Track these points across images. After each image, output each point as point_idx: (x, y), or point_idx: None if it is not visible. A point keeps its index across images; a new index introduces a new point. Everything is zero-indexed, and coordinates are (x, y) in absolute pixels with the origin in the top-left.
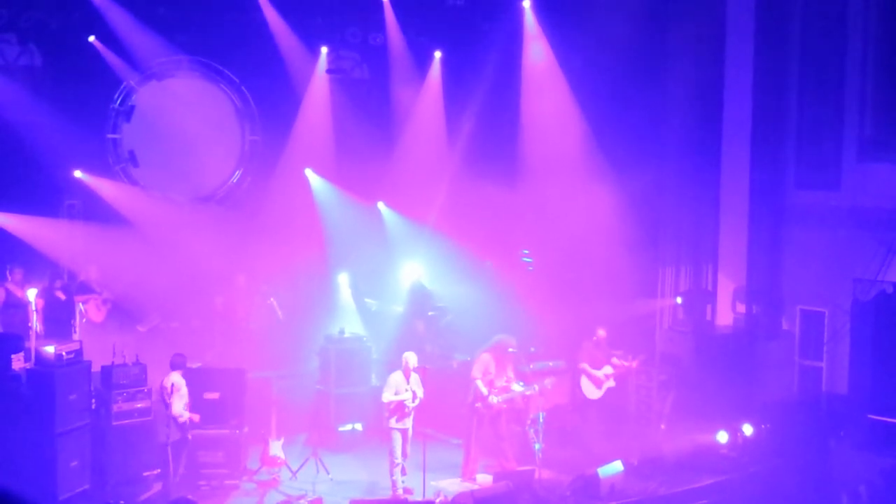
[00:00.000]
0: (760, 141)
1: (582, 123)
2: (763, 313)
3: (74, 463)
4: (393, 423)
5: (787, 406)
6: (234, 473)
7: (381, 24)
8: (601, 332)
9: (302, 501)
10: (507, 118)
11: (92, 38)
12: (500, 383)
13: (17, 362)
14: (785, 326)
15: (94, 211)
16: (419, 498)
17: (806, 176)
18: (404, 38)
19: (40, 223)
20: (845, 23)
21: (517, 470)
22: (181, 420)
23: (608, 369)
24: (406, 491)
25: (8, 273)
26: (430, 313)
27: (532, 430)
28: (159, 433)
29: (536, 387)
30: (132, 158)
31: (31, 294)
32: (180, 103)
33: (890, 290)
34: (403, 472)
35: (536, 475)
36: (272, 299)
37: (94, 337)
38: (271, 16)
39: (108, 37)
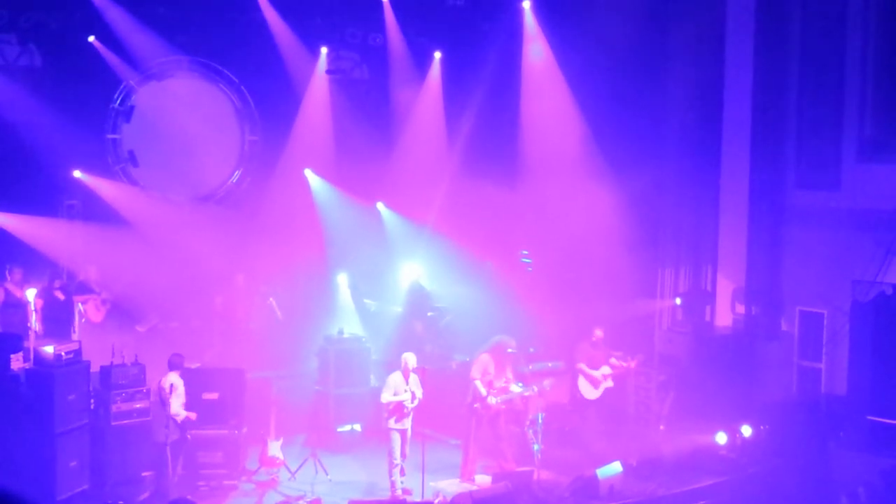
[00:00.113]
0: (760, 141)
1: (582, 123)
2: (762, 314)
3: (73, 463)
4: (392, 423)
5: (786, 407)
6: (233, 474)
7: (380, 25)
8: (598, 333)
9: (301, 502)
10: (506, 118)
11: (92, 39)
12: (499, 384)
13: (16, 362)
14: (784, 327)
15: (93, 211)
16: (418, 499)
17: (806, 176)
18: (404, 38)
19: (40, 223)
20: (845, 23)
21: (516, 471)
22: (179, 419)
23: (606, 369)
24: (405, 491)
25: (7, 273)
26: (428, 314)
27: (531, 431)
28: (158, 433)
29: (535, 388)
30: (132, 158)
31: (31, 294)
32: (180, 103)
33: (889, 291)
34: (402, 473)
35: (535, 476)
36: (271, 299)
37: (93, 337)
38: (271, 16)
39: (108, 37)
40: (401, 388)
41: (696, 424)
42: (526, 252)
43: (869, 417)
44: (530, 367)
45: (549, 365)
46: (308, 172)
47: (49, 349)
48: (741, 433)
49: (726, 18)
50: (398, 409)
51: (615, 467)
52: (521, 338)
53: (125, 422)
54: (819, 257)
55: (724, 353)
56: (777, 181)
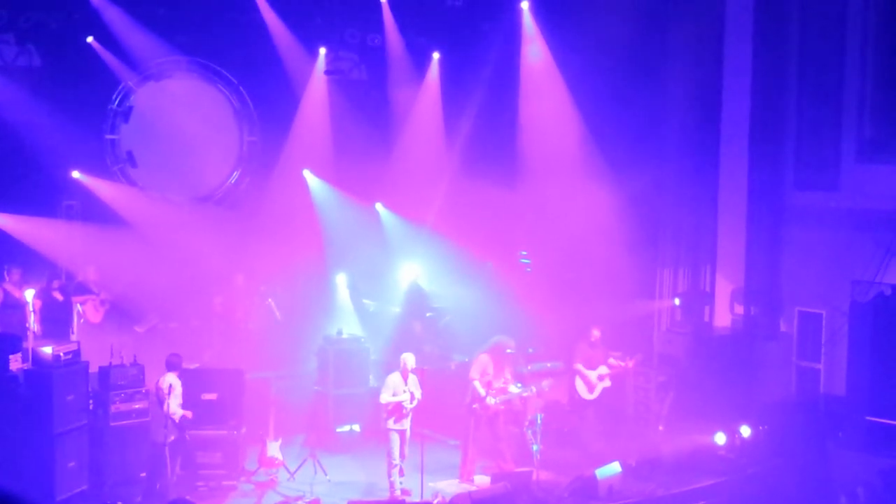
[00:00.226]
0: (759, 141)
1: (580, 124)
2: (761, 314)
3: (72, 464)
4: (391, 424)
5: (785, 407)
6: (232, 474)
7: (379, 25)
8: (596, 333)
9: (300, 502)
10: (505, 119)
11: (90, 39)
12: (498, 384)
13: (15, 363)
14: (783, 328)
15: (92, 211)
16: (417, 499)
17: (805, 177)
18: (403, 38)
19: (38, 223)
20: (844, 23)
21: (515, 471)
22: (176, 418)
23: (603, 369)
24: (404, 492)
25: (6, 273)
26: (427, 314)
27: (530, 432)
28: (157, 434)
29: (534, 388)
30: (130, 159)
31: (29, 294)
32: (178, 104)
33: (888, 291)
34: (401, 473)
35: (534, 476)
36: (270, 300)
37: (91, 337)
38: (270, 17)
39: (107, 38)
40: (400, 389)
41: (695, 425)
42: (525, 252)
43: (868, 418)
44: (529, 368)
45: (548, 365)
46: (307, 173)
47: (48, 350)
48: (740, 433)
49: (725, 19)
50: (397, 410)
51: (614, 468)
52: (520, 338)
53: (124, 422)
54: (818, 257)
55: (723, 354)
56: (776, 181)
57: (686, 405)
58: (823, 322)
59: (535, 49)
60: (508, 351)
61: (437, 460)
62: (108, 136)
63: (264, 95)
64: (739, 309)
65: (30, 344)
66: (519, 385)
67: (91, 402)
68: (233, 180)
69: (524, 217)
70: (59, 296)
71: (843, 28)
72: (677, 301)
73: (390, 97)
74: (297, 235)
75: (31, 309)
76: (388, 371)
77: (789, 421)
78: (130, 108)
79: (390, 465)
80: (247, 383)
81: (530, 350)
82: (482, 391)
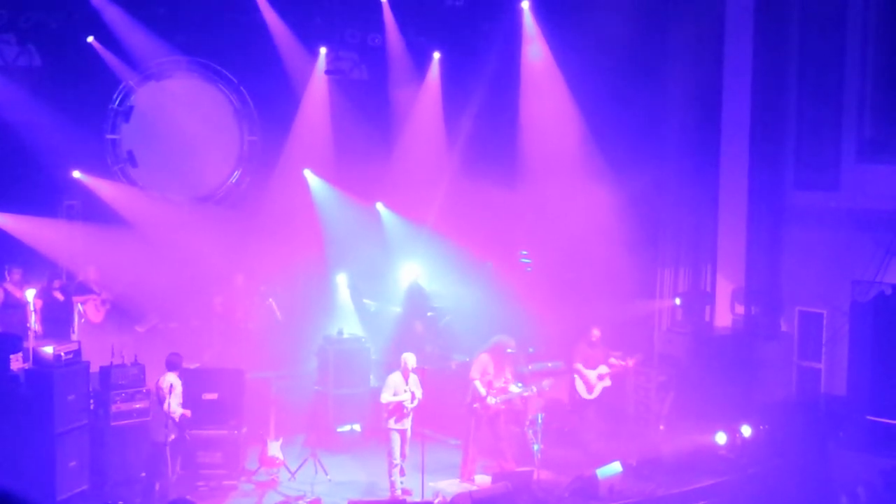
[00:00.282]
0: (759, 141)
1: (581, 124)
2: (762, 314)
3: (73, 463)
4: (391, 423)
5: (786, 407)
6: (233, 474)
7: (379, 25)
8: (596, 332)
9: (300, 502)
10: (506, 119)
11: (91, 39)
12: (499, 384)
13: (16, 362)
14: (783, 327)
15: (92, 211)
16: (418, 499)
17: (805, 177)
18: (403, 38)
19: (39, 223)
20: (844, 23)
21: (516, 471)
22: (175, 417)
23: (603, 369)
24: (404, 492)
25: (6, 273)
26: (428, 314)
27: (530, 431)
28: (158, 433)
29: (534, 388)
30: (131, 159)
31: (30, 294)
32: (179, 104)
33: (888, 291)
34: (402, 473)
35: (535, 476)
36: (271, 300)
37: (92, 337)
38: (270, 16)
39: (107, 37)
40: (400, 389)
41: (695, 424)
42: (525, 252)
43: (868, 417)
44: (530, 368)
45: (549, 365)
46: (307, 172)
47: (48, 349)
48: (741, 433)
49: (725, 19)
50: (398, 410)
51: (615, 467)
52: (521, 338)
53: (125, 422)
54: (818, 257)
55: (724, 354)
56: (776, 181)
57: (687, 405)
58: (824, 322)
59: (535, 49)
60: (509, 350)
61: (437, 460)
62: (109, 136)
63: (265, 95)
64: (740, 309)
65: (31, 344)
66: (519, 385)
67: (92, 401)
68: (233, 180)
69: (524, 217)
70: (59, 296)
71: (843, 28)
72: (678, 301)
73: (391, 97)
74: (297, 235)
75: (31, 309)
76: (389, 371)
77: (790, 421)
78: (131, 107)
79: (391, 465)
80: (247, 383)
81: (531, 350)
82: (483, 391)
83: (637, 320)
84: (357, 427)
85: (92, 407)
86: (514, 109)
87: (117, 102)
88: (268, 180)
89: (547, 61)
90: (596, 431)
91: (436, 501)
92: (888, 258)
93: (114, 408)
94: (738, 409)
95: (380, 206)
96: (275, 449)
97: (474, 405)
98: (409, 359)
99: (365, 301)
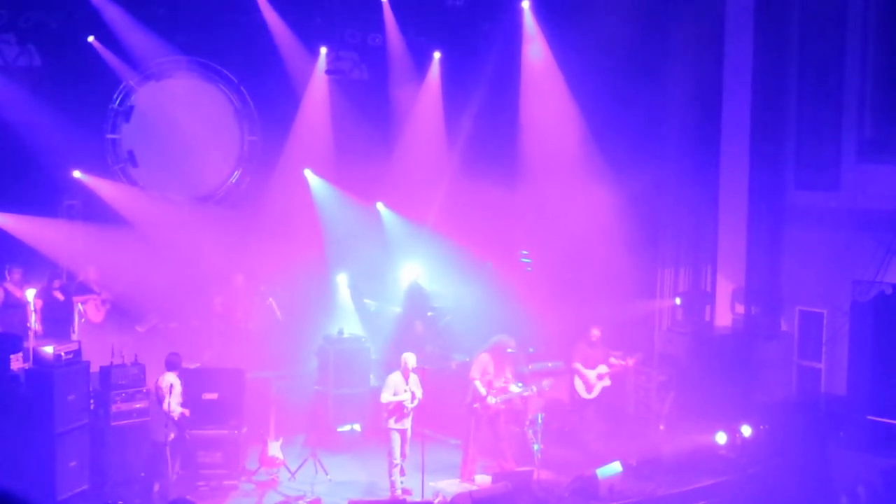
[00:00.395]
0: (760, 141)
1: (581, 124)
2: (762, 314)
3: (73, 463)
4: (391, 423)
5: (786, 407)
6: (233, 474)
7: (380, 25)
8: (595, 332)
9: (301, 502)
10: (506, 118)
11: (91, 39)
12: (499, 384)
13: (16, 362)
14: (784, 327)
15: (93, 211)
16: (418, 498)
17: (805, 177)
18: (403, 38)
19: (39, 223)
20: (845, 23)
21: (516, 471)
22: (175, 416)
23: (602, 369)
24: (405, 492)
25: (7, 273)
26: (428, 314)
27: (531, 431)
28: (158, 433)
29: (534, 388)
30: (131, 158)
31: (30, 294)
32: (179, 103)
33: (889, 291)
34: (402, 473)
35: (535, 476)
36: (271, 299)
37: (92, 337)
38: (270, 16)
39: (107, 37)
40: (400, 388)
41: (695, 424)
42: (526, 252)
43: (869, 417)
44: (530, 367)
45: (549, 365)
46: (307, 172)
47: (49, 349)
48: (741, 433)
49: (726, 19)
50: (398, 409)
51: (615, 467)
52: (521, 338)
53: (125, 422)
54: (819, 257)
55: (724, 353)
56: (777, 181)
57: (687, 405)
58: (824, 321)
59: (535, 49)
60: (509, 350)
61: (437, 460)
62: (109, 136)
63: (265, 95)
64: (740, 308)
65: (31, 343)
66: (520, 384)
67: (92, 401)
68: (233, 180)
69: (524, 217)
70: (59, 295)
71: (843, 28)
72: (678, 301)
73: (391, 97)
74: (297, 235)
75: (32, 308)
76: (389, 370)
77: (790, 420)
78: (131, 107)
79: (391, 465)
80: (247, 383)
81: (531, 349)
82: (483, 390)
83: (637, 320)
84: (357, 427)
85: (92, 407)
86: (514, 109)
87: (117, 102)
88: (268, 180)
89: (547, 61)
90: (596, 431)
91: (436, 501)
92: (888, 258)
93: (114, 408)
94: (738, 409)
95: (380, 205)
96: (275, 449)
97: (474, 405)
98: (410, 359)
99: (365, 301)
